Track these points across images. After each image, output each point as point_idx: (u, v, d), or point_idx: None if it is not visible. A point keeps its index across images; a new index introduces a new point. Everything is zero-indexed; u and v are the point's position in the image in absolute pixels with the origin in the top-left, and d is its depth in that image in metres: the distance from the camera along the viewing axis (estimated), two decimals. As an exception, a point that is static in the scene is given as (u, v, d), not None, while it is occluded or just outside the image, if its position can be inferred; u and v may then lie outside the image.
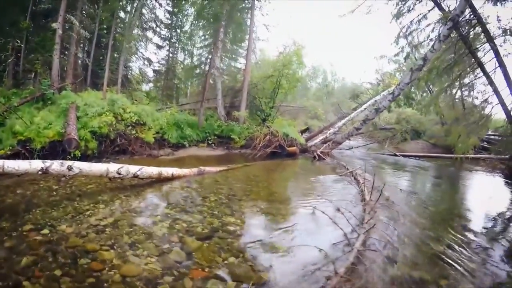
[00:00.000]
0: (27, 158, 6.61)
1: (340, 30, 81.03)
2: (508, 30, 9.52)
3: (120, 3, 13.31)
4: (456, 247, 3.89)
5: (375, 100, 17.67)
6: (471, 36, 10.29)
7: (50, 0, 11.32)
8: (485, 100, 10.77)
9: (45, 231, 3.46)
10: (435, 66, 11.47)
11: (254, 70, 15.17)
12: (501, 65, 9.58)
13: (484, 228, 4.97)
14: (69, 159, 6.58)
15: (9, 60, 9.71)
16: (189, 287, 2.70)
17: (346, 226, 4.18)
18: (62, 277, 2.65)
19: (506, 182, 9.55)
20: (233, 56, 17.42)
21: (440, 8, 11.35)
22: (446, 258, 3.52)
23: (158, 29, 18.20)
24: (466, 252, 3.76)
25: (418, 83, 14.32)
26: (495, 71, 9.83)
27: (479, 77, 11.18)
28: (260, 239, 3.81)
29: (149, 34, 17.93)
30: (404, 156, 14.16)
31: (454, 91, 13.67)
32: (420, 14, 12.34)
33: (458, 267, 3.34)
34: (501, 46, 9.69)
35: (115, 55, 14.79)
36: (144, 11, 16.51)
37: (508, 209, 6.41)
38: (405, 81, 11.22)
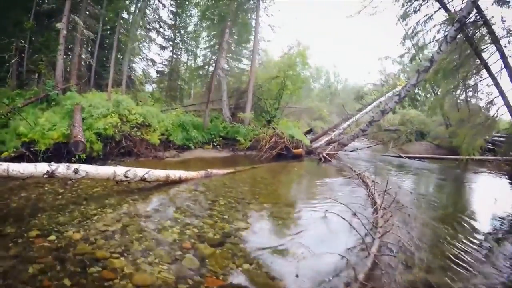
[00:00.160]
0: (31, 160, 6.48)
1: (340, 31, 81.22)
2: (512, 31, 9.41)
3: (125, 2, 13.20)
4: (469, 249, 3.90)
5: (380, 102, 17.56)
6: (476, 38, 10.18)
7: (53, 0, 11.24)
8: (491, 102, 10.68)
9: (52, 237, 3.34)
10: (442, 68, 11.34)
11: (258, 71, 15.05)
12: (507, 66, 9.47)
13: (494, 229, 5.02)
14: (74, 161, 6.49)
15: (13, 61, 9.59)
16: (205, 296, 2.59)
17: (360, 230, 4.10)
18: (71, 287, 2.53)
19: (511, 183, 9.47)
20: (237, 57, 17.32)
21: (446, 9, 11.24)
22: (459, 262, 3.53)
23: (161, 30, 18.14)
24: (478, 255, 3.78)
25: (423, 85, 14.20)
26: (500, 73, 9.74)
27: (484, 79, 11.07)
28: (273, 244, 3.72)
29: (153, 34, 17.89)
30: (409, 157, 14.01)
31: (459, 92, 13.62)
32: (426, 15, 12.23)
33: (472, 270, 3.36)
34: (505, 47, 9.59)
35: (119, 56, 14.71)
36: (147, 11, 16.46)
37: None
38: (412, 82, 11.08)
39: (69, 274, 2.69)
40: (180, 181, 6.07)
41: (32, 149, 6.81)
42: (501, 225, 5.31)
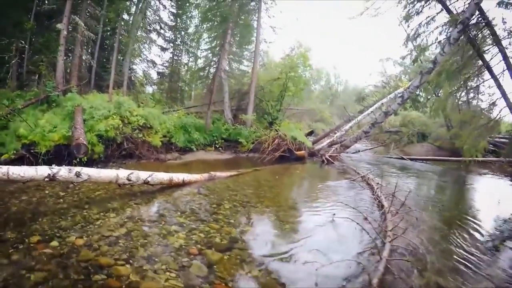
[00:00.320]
0: (31, 162, 6.38)
1: (339, 31, 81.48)
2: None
3: (126, 3, 13.10)
4: (477, 252, 3.88)
5: (382, 103, 17.50)
6: (478, 39, 10.14)
7: (54, 1, 11.13)
8: (493, 103, 10.63)
9: (54, 243, 3.21)
10: (445, 69, 11.29)
11: (259, 72, 14.97)
12: (509, 68, 9.38)
13: (499, 231, 4.99)
14: (75, 164, 6.36)
15: (13, 61, 9.46)
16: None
17: (369, 234, 4.08)
18: (75, 297, 2.42)
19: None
20: (238, 58, 17.23)
21: (448, 11, 11.20)
22: (468, 264, 3.52)
23: (162, 31, 18.03)
24: (486, 257, 3.77)
25: (425, 86, 14.13)
26: (503, 74, 9.69)
27: (486, 80, 11.02)
28: (282, 249, 3.63)
29: (153, 36, 17.78)
30: (411, 159, 13.94)
31: (461, 94, 13.55)
32: (428, 16, 12.19)
33: (480, 273, 3.34)
34: (507, 48, 9.54)
35: (119, 57, 14.60)
36: (148, 13, 16.36)
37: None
38: (415, 84, 11.04)
39: (73, 282, 2.57)
40: (183, 184, 5.96)
41: (32, 151, 6.70)
42: (506, 227, 5.28)
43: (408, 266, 3.34)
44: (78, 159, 6.72)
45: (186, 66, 20.58)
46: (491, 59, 10.02)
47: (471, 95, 14.03)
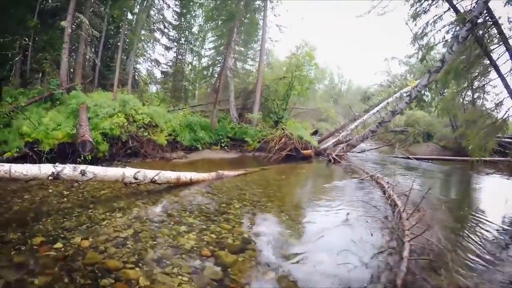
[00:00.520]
0: (34, 161, 6.22)
1: (343, 30, 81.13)
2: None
3: (130, 1, 12.98)
4: (493, 251, 3.83)
5: (387, 102, 17.26)
6: (485, 38, 9.95)
7: (58, -2, 11.00)
8: (500, 103, 10.43)
9: (59, 244, 3.04)
10: (452, 68, 11.09)
11: (265, 71, 14.81)
12: (517, 67, 9.20)
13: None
14: (79, 162, 6.22)
15: (16, 59, 9.30)
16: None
17: (385, 233, 3.98)
18: (82, 303, 2.25)
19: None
20: (243, 57, 17.09)
21: (456, 10, 11.01)
22: (485, 263, 3.45)
23: (166, 30, 17.93)
24: (502, 256, 3.73)
25: (430, 86, 13.90)
26: (510, 73, 9.50)
27: (493, 79, 10.83)
28: (296, 250, 3.46)
29: (157, 35, 17.68)
30: (417, 159, 13.77)
31: (466, 93, 13.34)
32: (436, 15, 12.00)
33: (497, 272, 3.28)
34: (513, 46, 9.34)
35: (123, 56, 14.48)
36: (151, 12, 16.26)
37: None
38: (423, 82, 10.83)
39: (79, 287, 2.40)
40: (191, 183, 5.79)
41: (35, 149, 6.54)
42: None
43: (427, 265, 3.24)
44: (82, 158, 6.57)
45: (190, 65, 20.48)
46: (498, 58, 9.88)
47: (476, 94, 13.90)
